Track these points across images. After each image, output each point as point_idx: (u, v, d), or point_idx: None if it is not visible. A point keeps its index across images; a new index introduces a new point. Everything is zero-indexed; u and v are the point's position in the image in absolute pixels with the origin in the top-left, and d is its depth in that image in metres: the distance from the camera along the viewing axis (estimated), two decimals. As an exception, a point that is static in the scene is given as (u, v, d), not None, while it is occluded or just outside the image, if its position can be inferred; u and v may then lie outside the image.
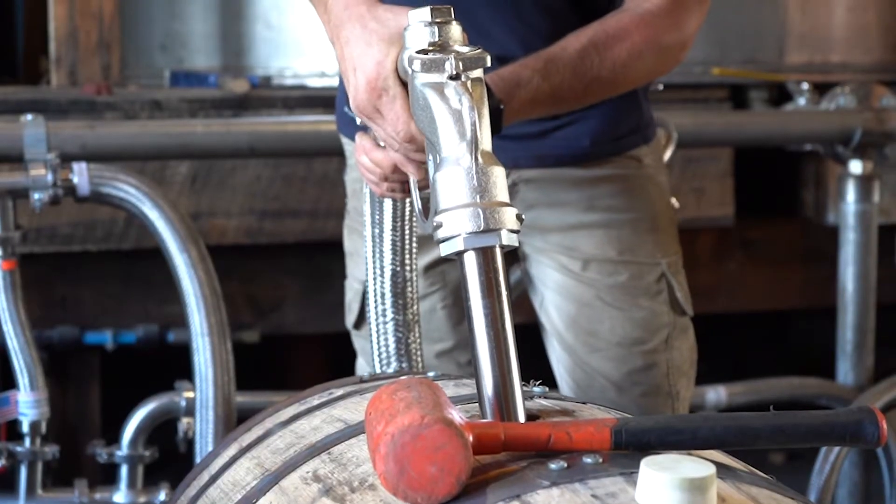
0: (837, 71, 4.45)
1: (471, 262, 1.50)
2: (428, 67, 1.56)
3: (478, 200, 1.50)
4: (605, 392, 2.30)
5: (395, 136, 1.72)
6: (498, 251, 1.50)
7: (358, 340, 2.45)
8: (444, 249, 1.52)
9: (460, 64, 1.54)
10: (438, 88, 1.55)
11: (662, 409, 2.33)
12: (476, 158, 1.51)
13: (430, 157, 1.58)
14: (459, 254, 1.51)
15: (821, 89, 4.11)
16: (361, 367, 2.44)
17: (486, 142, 1.53)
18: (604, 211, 2.29)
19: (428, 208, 1.59)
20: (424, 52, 1.57)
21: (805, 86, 4.11)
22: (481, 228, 1.49)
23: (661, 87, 3.35)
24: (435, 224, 1.52)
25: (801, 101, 4.11)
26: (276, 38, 4.26)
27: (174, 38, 4.26)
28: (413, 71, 1.57)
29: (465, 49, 1.57)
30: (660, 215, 2.34)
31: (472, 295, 1.49)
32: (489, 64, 1.57)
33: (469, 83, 1.54)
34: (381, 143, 1.94)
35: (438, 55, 1.56)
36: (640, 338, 2.31)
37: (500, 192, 1.51)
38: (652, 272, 2.31)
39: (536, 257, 2.33)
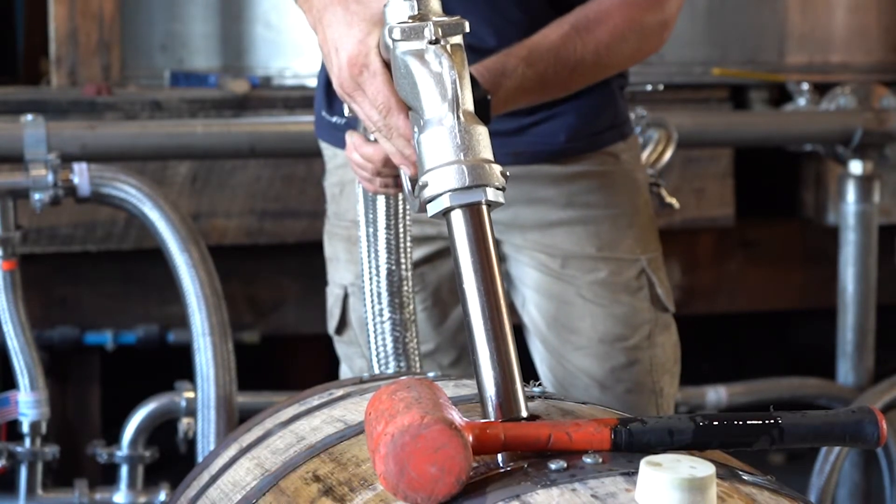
0: (837, 71, 4.45)
1: (458, 221, 1.50)
2: (407, 35, 1.57)
3: (462, 158, 1.50)
4: (588, 390, 2.30)
5: (376, 109, 1.72)
6: (485, 209, 1.50)
7: (340, 346, 2.44)
8: (431, 209, 1.52)
9: (439, 30, 1.56)
10: (419, 55, 1.57)
11: (646, 406, 2.33)
12: (458, 117, 1.52)
13: (416, 130, 1.58)
14: (447, 212, 1.51)
15: (821, 90, 4.11)
16: (345, 374, 2.43)
17: (467, 101, 1.54)
18: (582, 207, 2.29)
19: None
20: (404, 23, 1.58)
21: (805, 86, 4.11)
22: (466, 184, 1.49)
23: (661, 87, 3.36)
24: (420, 184, 1.52)
25: (802, 102, 4.11)
26: (276, 39, 4.26)
27: (174, 39, 4.26)
28: (393, 40, 1.58)
29: (445, 18, 1.58)
30: (639, 211, 2.34)
31: (461, 254, 1.49)
32: (468, 30, 1.59)
33: (449, 47, 1.56)
34: (371, 136, 1.94)
35: (418, 23, 1.57)
36: (622, 334, 2.30)
37: (484, 149, 1.52)
38: (632, 268, 2.31)
39: (516, 256, 2.34)
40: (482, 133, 1.53)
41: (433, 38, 1.56)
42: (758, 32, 4.46)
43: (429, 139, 1.53)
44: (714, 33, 4.39)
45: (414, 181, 1.67)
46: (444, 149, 1.51)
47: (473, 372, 1.48)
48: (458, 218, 1.50)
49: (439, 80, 1.54)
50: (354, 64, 1.71)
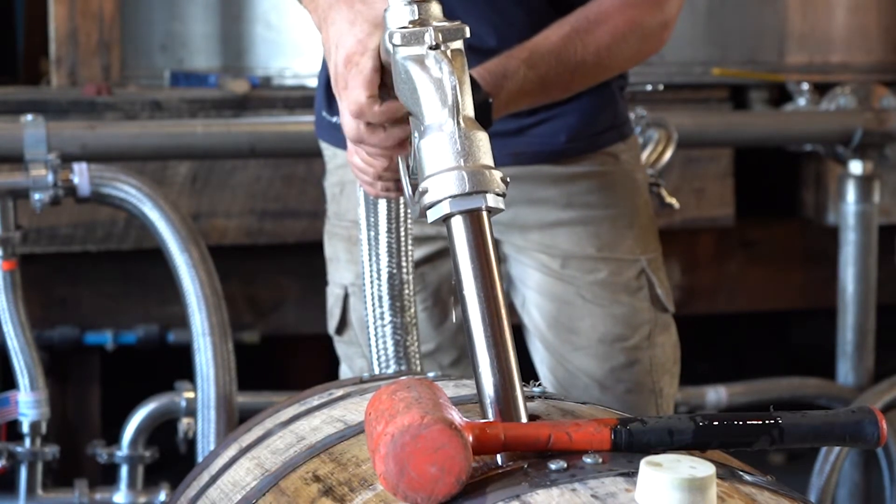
0: (837, 71, 4.45)
1: (458, 227, 1.49)
2: (408, 40, 1.57)
3: (462, 164, 1.50)
4: (588, 390, 2.30)
5: (348, 106, 1.73)
6: (485, 215, 1.50)
7: (340, 346, 2.44)
8: (431, 215, 1.51)
9: (440, 35, 1.55)
10: (419, 60, 1.56)
11: (646, 406, 2.33)
12: (458, 123, 1.51)
13: (416, 135, 1.58)
14: (447, 219, 1.50)
15: (821, 90, 4.11)
16: (345, 374, 2.43)
17: (467, 107, 1.54)
18: (582, 208, 2.29)
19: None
20: (404, 28, 1.58)
21: (805, 86, 4.11)
22: (467, 190, 1.49)
23: (661, 87, 3.36)
24: (420, 190, 1.52)
25: (802, 102, 4.11)
26: (276, 39, 4.26)
27: (174, 39, 4.26)
28: (394, 45, 1.58)
29: (445, 23, 1.58)
30: (638, 212, 2.34)
31: (460, 260, 1.49)
32: (468, 35, 1.58)
33: (449, 52, 1.55)
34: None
35: (418, 28, 1.57)
36: (622, 334, 2.31)
37: (485, 155, 1.51)
38: (631, 268, 2.31)
39: (517, 257, 2.34)
40: (482, 139, 1.52)
41: (433, 43, 1.55)
42: (758, 32, 4.46)
43: (429, 145, 1.52)
44: (714, 33, 4.39)
45: (415, 185, 1.67)
46: (445, 155, 1.51)
47: (474, 379, 1.48)
48: (458, 224, 1.50)
49: (439, 86, 1.54)
50: (349, 62, 1.72)
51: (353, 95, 1.71)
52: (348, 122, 1.76)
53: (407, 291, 2.13)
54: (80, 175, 3.03)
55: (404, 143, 1.78)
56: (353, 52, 1.72)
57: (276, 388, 3.53)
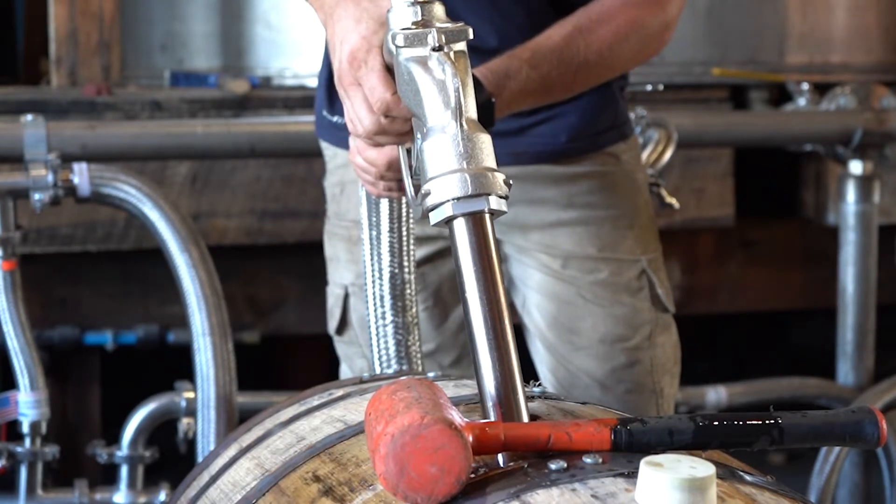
0: (838, 71, 4.45)
1: (461, 229, 1.50)
2: (411, 42, 1.57)
3: (465, 166, 1.50)
4: (588, 390, 2.30)
5: (373, 105, 1.73)
6: (487, 218, 1.50)
7: (340, 346, 2.44)
8: (434, 217, 1.51)
9: (443, 36, 1.55)
10: (422, 62, 1.57)
11: (647, 406, 2.33)
12: (461, 125, 1.51)
13: (419, 136, 1.58)
14: (449, 221, 1.50)
15: (821, 90, 4.11)
16: (345, 374, 2.43)
17: (470, 109, 1.54)
18: (583, 208, 2.29)
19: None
20: (407, 29, 1.59)
21: (805, 86, 4.11)
22: (469, 193, 1.49)
23: (661, 87, 3.36)
24: (423, 192, 1.52)
25: (802, 102, 4.11)
26: (276, 39, 4.26)
27: (174, 39, 4.26)
28: (397, 47, 1.58)
29: (448, 25, 1.58)
30: (639, 212, 2.34)
31: (463, 263, 1.49)
32: (471, 37, 1.58)
33: (452, 54, 1.55)
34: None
35: (421, 29, 1.57)
36: (623, 335, 2.31)
37: (487, 157, 1.52)
38: (632, 268, 2.32)
39: (517, 257, 2.34)
40: (485, 141, 1.52)
41: (436, 45, 1.55)
42: (758, 32, 4.45)
43: (431, 147, 1.52)
44: (714, 33, 4.39)
45: (417, 185, 1.67)
46: (447, 157, 1.51)
47: (476, 382, 1.48)
48: (460, 226, 1.50)
49: (442, 88, 1.54)
50: (355, 59, 1.72)
51: (376, 94, 1.71)
52: (366, 116, 1.75)
53: (409, 291, 2.13)
54: (80, 175, 3.03)
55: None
56: (358, 50, 1.72)
57: (276, 388, 3.53)
